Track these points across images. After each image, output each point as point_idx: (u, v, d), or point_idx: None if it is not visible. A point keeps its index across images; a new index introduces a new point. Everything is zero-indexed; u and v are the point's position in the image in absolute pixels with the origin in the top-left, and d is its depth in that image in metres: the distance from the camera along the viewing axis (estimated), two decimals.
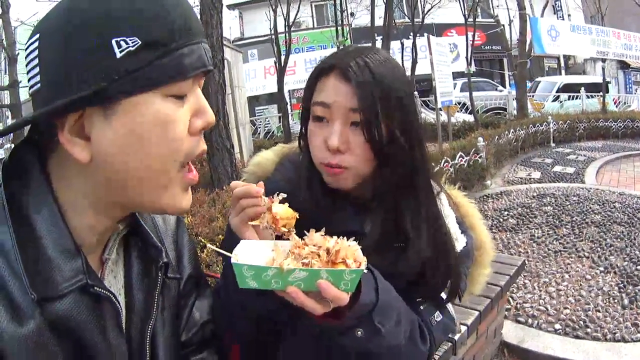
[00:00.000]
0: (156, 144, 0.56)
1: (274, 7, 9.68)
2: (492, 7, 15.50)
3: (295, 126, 9.78)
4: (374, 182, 0.82)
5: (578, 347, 2.47)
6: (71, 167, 0.58)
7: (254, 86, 12.48)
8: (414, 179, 0.82)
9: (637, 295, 2.93)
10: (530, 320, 2.73)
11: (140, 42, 0.52)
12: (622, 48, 11.55)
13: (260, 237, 0.71)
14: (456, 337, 1.77)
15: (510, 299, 2.93)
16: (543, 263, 3.50)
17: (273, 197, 0.68)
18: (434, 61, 6.33)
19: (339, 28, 10.08)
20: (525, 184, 5.98)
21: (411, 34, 10.72)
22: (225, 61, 4.19)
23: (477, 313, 1.99)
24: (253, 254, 0.65)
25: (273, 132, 11.88)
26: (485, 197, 5.30)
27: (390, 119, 0.76)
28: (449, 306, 0.90)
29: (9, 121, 12.34)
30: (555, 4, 18.03)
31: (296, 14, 10.13)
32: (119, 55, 0.52)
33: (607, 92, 11.65)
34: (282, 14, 9.62)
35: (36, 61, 0.54)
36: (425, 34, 7.84)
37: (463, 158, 5.37)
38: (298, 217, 0.68)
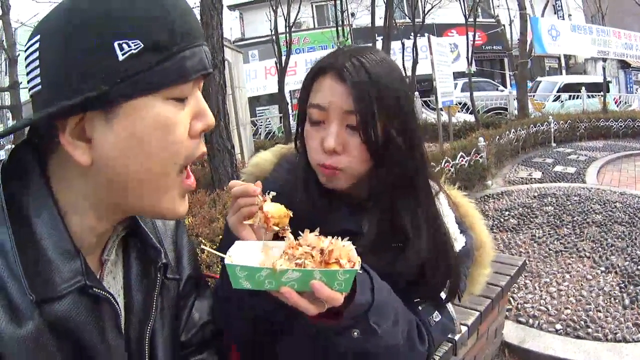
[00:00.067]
0: (157, 147, 0.56)
1: (274, 8, 9.70)
2: (493, 7, 15.52)
3: None
4: (370, 182, 0.82)
5: (579, 347, 2.46)
6: (72, 169, 0.58)
7: (254, 87, 12.47)
8: (412, 179, 0.82)
9: (638, 295, 2.92)
10: (531, 321, 2.73)
11: (142, 45, 0.52)
12: (622, 48, 11.53)
13: (257, 237, 0.71)
14: (457, 337, 1.76)
15: (511, 299, 2.92)
16: (544, 263, 3.49)
17: (265, 196, 0.68)
18: (435, 61, 6.31)
19: (340, 28, 10.08)
20: (526, 184, 5.97)
21: (412, 34, 10.75)
22: (226, 62, 4.19)
23: (477, 313, 1.98)
24: (247, 255, 0.65)
25: (274, 133, 11.87)
26: (486, 197, 5.29)
27: (387, 120, 0.76)
28: (449, 306, 0.90)
29: (10, 122, 12.35)
30: (556, 4, 18.01)
31: (297, 15, 10.15)
32: (121, 58, 0.52)
33: (608, 91, 11.61)
34: (283, 14, 9.64)
35: (36, 62, 0.54)
36: (426, 34, 7.84)
37: (464, 158, 5.37)
38: (293, 216, 0.68)
